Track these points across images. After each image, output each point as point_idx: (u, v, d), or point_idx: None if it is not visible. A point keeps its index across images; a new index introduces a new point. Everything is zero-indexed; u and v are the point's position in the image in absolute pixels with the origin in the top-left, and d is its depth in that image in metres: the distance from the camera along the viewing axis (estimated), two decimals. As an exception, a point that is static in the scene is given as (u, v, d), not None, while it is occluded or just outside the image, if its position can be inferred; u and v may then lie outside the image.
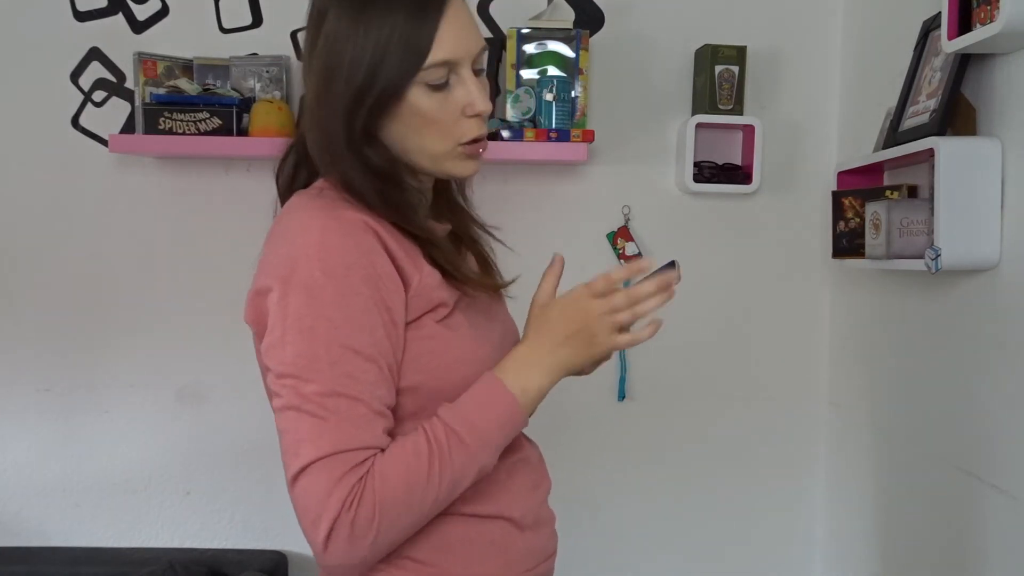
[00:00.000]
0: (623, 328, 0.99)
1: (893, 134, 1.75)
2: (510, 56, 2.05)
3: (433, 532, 1.02)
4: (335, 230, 0.94)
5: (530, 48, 2.06)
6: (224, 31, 2.17)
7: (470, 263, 1.13)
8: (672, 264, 1.03)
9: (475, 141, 1.02)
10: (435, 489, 0.93)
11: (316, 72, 0.98)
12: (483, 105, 0.99)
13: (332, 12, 0.97)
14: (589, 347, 0.99)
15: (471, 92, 0.99)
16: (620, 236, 2.21)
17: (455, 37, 0.96)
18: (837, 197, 1.95)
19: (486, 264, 1.16)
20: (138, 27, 2.16)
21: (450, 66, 0.98)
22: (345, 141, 0.98)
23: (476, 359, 1.02)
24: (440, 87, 0.98)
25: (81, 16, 2.16)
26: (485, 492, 1.04)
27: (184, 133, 2.00)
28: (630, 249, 2.21)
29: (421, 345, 0.99)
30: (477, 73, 1.02)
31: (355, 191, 0.99)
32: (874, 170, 1.93)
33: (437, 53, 0.96)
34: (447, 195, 1.16)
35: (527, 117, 2.04)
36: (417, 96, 0.98)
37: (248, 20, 2.17)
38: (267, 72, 2.10)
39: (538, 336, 1.00)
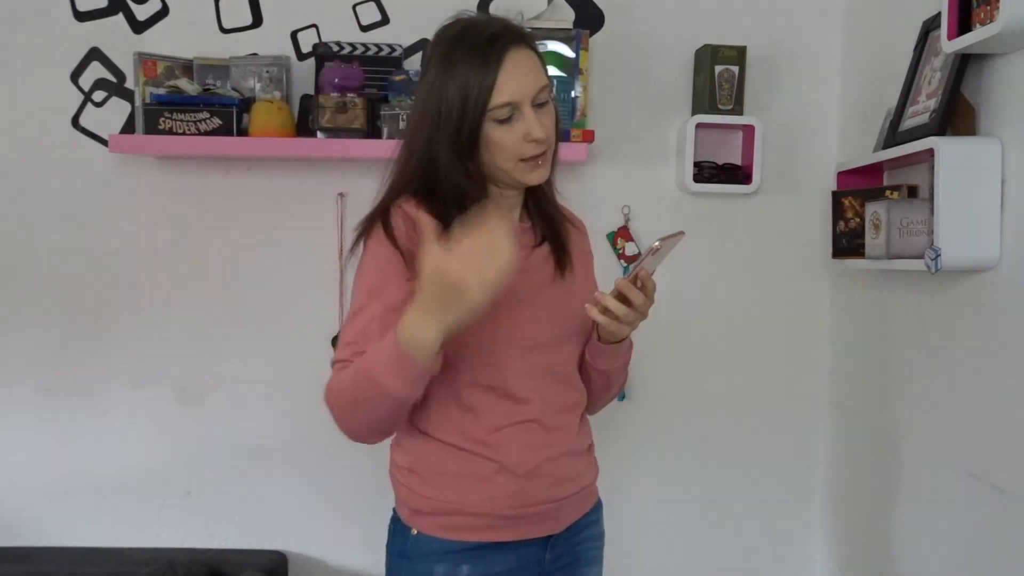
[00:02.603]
0: (487, 274, 1.12)
1: (893, 134, 1.75)
2: (510, 56, 2.05)
3: (435, 456, 1.36)
4: None
5: (530, 48, 2.06)
6: (224, 31, 2.17)
7: (535, 255, 1.42)
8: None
9: (533, 157, 1.33)
10: (357, 402, 1.23)
11: (417, 111, 1.34)
12: (538, 133, 1.30)
13: (432, 68, 1.33)
14: (461, 299, 1.13)
15: (529, 124, 1.30)
16: (620, 236, 2.21)
17: (511, 83, 1.28)
18: (837, 197, 1.95)
19: (558, 255, 1.44)
20: (138, 27, 2.16)
21: (512, 105, 1.29)
22: (451, 157, 1.30)
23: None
24: (505, 121, 1.30)
25: (81, 16, 2.16)
26: (482, 438, 1.34)
27: (184, 133, 2.00)
28: (630, 249, 2.21)
29: None
30: (541, 105, 1.32)
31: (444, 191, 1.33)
32: (874, 170, 1.93)
33: (497, 98, 1.28)
34: (535, 203, 1.45)
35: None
36: (490, 129, 1.30)
37: (248, 20, 2.17)
38: (267, 72, 2.09)
39: (419, 301, 1.16)
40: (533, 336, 1.38)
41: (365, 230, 1.35)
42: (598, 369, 1.48)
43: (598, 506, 1.55)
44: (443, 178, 1.32)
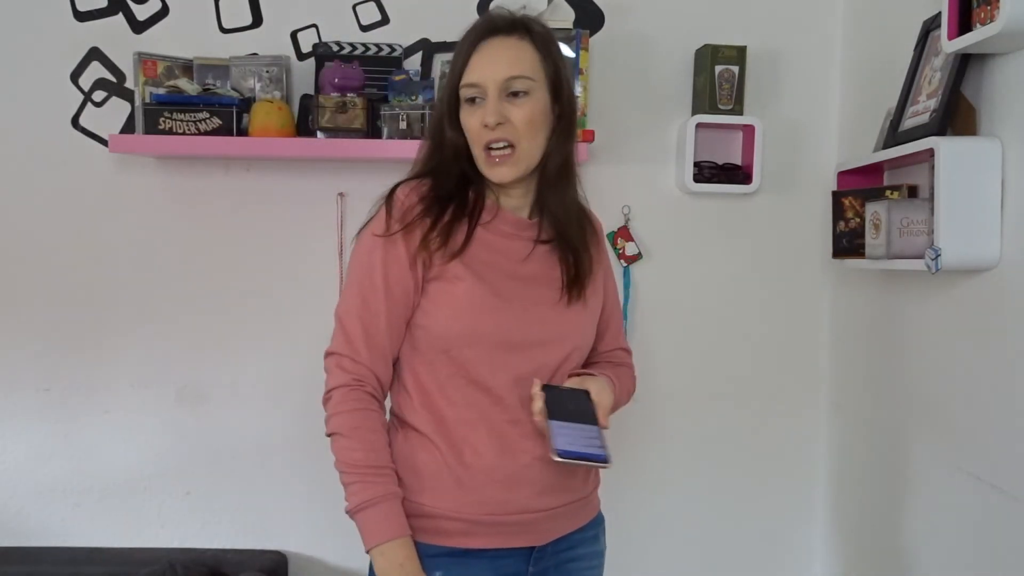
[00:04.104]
0: None
1: (893, 134, 1.75)
2: (510, 56, 2.05)
3: (414, 454, 1.35)
4: None
5: (530, 48, 2.06)
6: (224, 31, 2.17)
7: (537, 253, 1.41)
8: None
9: (492, 150, 1.33)
10: (335, 458, 1.34)
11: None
12: (487, 118, 1.31)
13: None
14: None
15: (486, 108, 1.31)
16: (620, 236, 2.21)
17: (478, 66, 1.32)
18: (837, 197, 1.95)
19: (573, 271, 1.42)
20: (138, 27, 2.16)
21: (477, 88, 1.32)
22: (451, 139, 1.36)
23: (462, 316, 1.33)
24: (471, 101, 1.33)
25: (81, 16, 2.16)
26: (459, 433, 1.33)
27: (184, 133, 2.00)
28: (630, 249, 2.21)
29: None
30: (514, 95, 1.32)
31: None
32: (874, 170, 1.93)
33: (465, 78, 1.33)
34: (543, 202, 1.42)
35: (527, 117, 2.04)
36: (463, 109, 1.35)
37: (248, 20, 2.17)
38: (267, 72, 2.10)
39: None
40: (521, 334, 1.36)
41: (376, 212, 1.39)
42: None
43: (597, 521, 1.49)
44: (444, 155, 1.37)
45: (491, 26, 1.34)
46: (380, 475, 1.30)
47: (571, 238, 1.42)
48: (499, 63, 1.31)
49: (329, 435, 1.35)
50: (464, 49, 1.34)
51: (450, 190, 1.36)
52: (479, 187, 1.39)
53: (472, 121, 1.33)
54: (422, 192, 1.36)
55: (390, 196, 1.36)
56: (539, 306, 1.38)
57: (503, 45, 1.33)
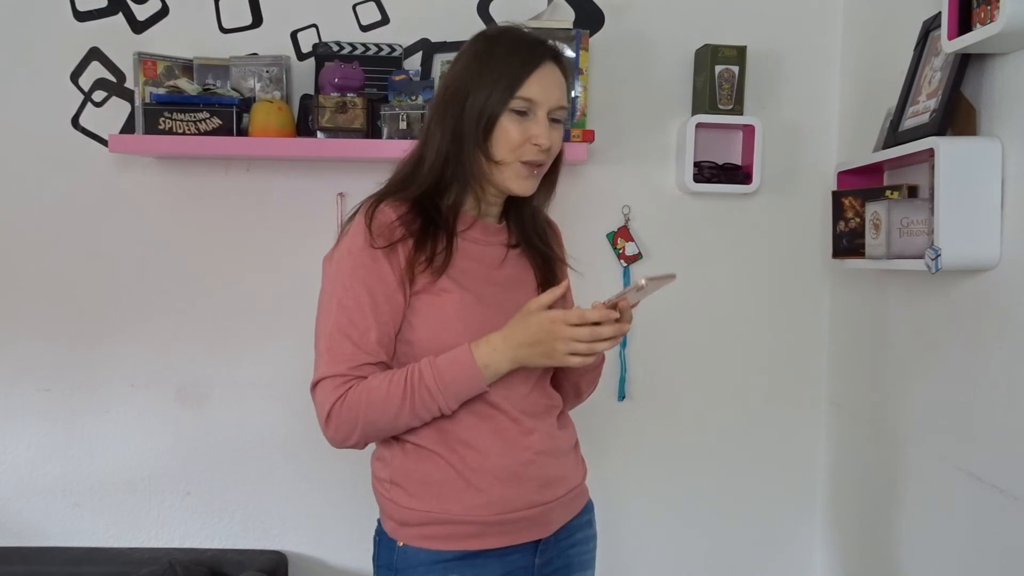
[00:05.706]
0: (575, 353, 1.28)
1: (893, 134, 1.75)
2: (510, 56, 2.05)
3: (416, 465, 1.37)
4: None
5: (530, 48, 2.06)
6: (224, 31, 2.17)
7: (510, 258, 1.45)
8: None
9: (531, 164, 1.37)
10: (400, 411, 1.30)
11: (449, 91, 1.37)
12: (544, 140, 1.35)
13: (468, 57, 1.38)
14: (545, 356, 1.30)
15: (539, 127, 1.36)
16: (620, 236, 2.21)
17: (539, 86, 1.35)
18: (837, 197, 1.95)
19: (543, 274, 1.48)
20: (138, 27, 2.16)
21: (530, 104, 1.35)
22: (473, 142, 1.34)
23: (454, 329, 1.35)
24: (520, 114, 1.35)
25: (81, 16, 2.16)
26: (460, 439, 1.35)
27: (184, 133, 2.00)
28: (630, 249, 2.21)
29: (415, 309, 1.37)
30: (555, 122, 1.38)
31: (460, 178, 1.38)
32: (874, 170, 1.93)
33: (523, 92, 1.34)
34: (511, 207, 1.47)
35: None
36: (506, 118, 1.35)
37: (248, 20, 2.17)
38: (267, 72, 2.10)
39: (512, 333, 1.30)
40: None
41: (352, 220, 1.38)
42: (568, 379, 1.51)
43: (589, 507, 1.55)
44: (462, 158, 1.35)
45: (550, 52, 1.39)
46: (414, 375, 1.29)
47: (537, 240, 1.49)
48: (554, 89, 1.37)
49: (361, 440, 1.34)
50: (522, 63, 1.35)
51: (430, 207, 1.37)
52: (454, 196, 1.40)
53: (517, 131, 1.35)
54: (401, 212, 1.35)
55: (367, 216, 1.34)
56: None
57: (555, 73, 1.38)
